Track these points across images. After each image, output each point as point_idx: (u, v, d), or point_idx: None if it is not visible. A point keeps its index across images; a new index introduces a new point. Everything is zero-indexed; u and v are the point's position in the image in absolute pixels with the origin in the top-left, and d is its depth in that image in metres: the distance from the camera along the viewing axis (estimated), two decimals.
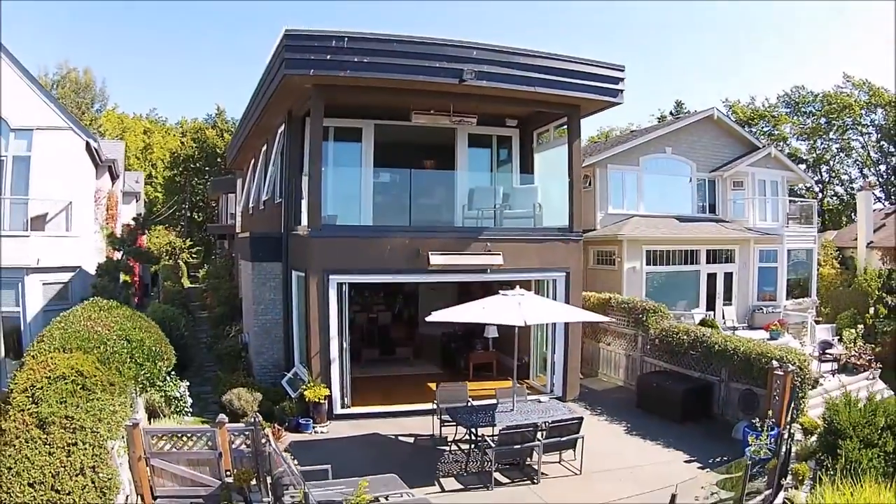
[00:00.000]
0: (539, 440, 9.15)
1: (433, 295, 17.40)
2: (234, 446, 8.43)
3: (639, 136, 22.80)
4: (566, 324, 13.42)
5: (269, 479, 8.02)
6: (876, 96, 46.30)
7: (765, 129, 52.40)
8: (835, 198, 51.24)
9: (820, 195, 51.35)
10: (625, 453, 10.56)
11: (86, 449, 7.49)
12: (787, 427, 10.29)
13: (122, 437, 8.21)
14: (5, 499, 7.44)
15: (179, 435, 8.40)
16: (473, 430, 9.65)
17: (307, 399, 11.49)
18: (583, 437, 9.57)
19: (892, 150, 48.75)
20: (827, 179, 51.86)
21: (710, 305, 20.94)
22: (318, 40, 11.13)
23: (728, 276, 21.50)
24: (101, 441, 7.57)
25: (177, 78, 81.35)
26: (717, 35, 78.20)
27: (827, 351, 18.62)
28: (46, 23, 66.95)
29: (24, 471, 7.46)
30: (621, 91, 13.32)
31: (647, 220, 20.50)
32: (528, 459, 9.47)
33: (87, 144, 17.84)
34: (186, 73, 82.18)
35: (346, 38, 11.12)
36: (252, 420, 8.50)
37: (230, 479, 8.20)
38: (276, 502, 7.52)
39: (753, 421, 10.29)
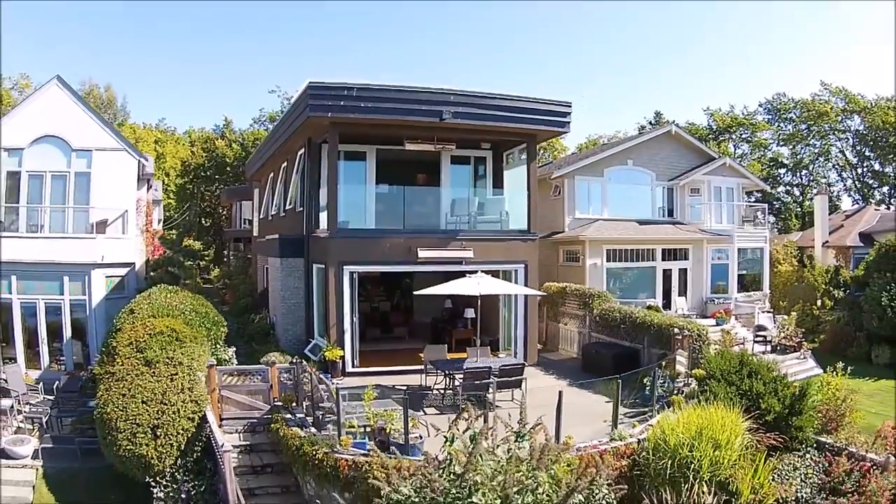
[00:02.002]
0: (493, 379, 12.79)
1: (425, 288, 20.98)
2: (280, 380, 12.10)
3: (604, 150, 26.09)
4: (526, 307, 17.09)
5: (304, 403, 11.69)
6: (852, 103, 48.39)
7: (743, 136, 55.08)
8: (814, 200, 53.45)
9: (800, 197, 54.52)
10: (563, 397, 14.14)
11: (184, 376, 11.15)
12: (686, 375, 13.93)
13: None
14: (121, 415, 10.93)
15: (243, 372, 12.08)
16: (448, 373, 13.30)
17: (327, 359, 15.17)
18: (526, 379, 13.24)
19: (869, 153, 51.45)
20: (806, 182, 54.46)
21: (667, 297, 23.93)
22: (334, 90, 14.86)
23: (683, 272, 24.50)
24: (194, 372, 11.25)
25: (180, 85, 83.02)
26: (709, 38, 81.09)
27: (759, 333, 22.07)
28: (45, 26, 69.76)
29: (137, 393, 11.03)
30: (568, 122, 17.02)
31: (610, 223, 23.63)
32: (487, 394, 13.10)
33: (139, 163, 21.59)
34: (188, 80, 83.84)
35: (355, 88, 14.85)
36: (294, 361, 12.20)
37: (279, 403, 11.87)
38: (311, 416, 11.21)
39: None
